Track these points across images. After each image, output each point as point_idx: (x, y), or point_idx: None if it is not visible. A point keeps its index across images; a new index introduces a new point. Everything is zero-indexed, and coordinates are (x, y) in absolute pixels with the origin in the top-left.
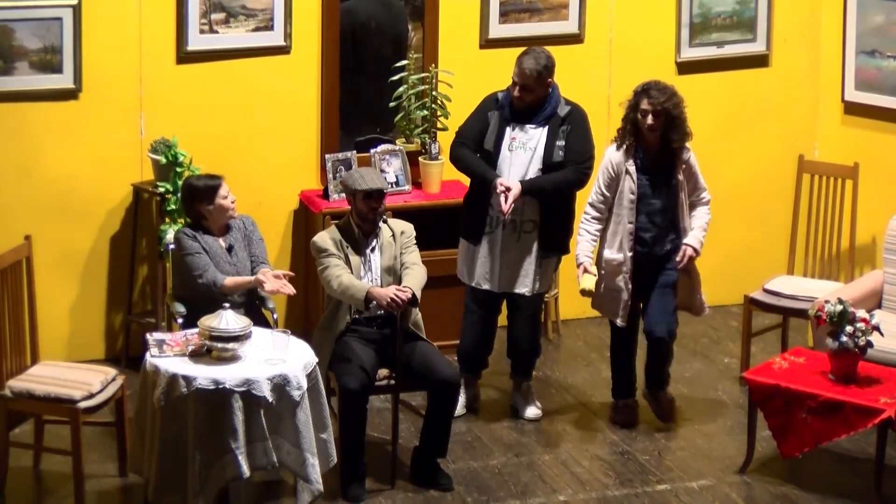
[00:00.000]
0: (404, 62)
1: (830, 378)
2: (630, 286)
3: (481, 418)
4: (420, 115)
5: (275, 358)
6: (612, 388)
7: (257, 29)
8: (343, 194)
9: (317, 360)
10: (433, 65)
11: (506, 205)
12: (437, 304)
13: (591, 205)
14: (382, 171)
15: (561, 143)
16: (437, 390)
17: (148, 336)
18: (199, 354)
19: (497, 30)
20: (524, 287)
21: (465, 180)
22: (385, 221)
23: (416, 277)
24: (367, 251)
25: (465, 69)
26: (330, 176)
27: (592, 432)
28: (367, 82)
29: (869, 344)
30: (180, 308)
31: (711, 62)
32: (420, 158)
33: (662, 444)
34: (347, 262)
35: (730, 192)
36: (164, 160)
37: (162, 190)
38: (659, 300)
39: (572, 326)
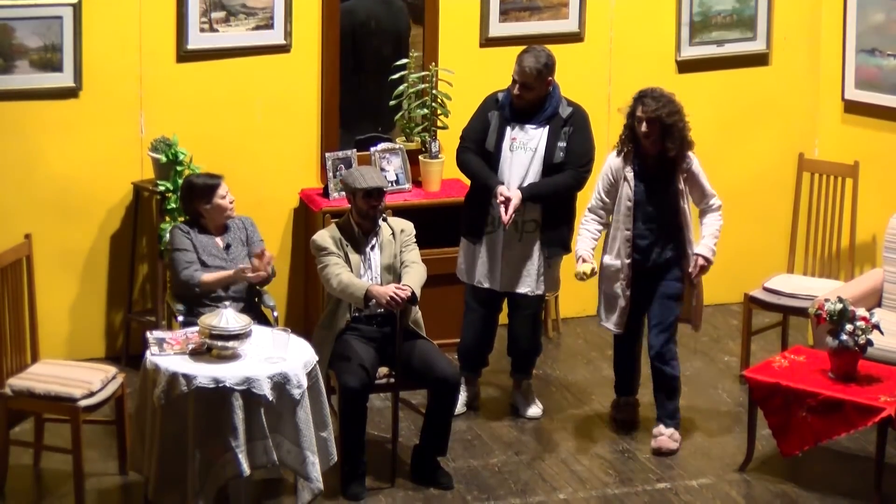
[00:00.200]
0: (404, 61)
1: (830, 376)
2: (628, 293)
3: (481, 417)
4: (420, 113)
5: (275, 356)
6: (614, 385)
7: (257, 28)
8: (343, 193)
9: (317, 358)
10: (433, 63)
11: (506, 216)
12: (437, 302)
13: (591, 210)
14: (382, 169)
15: (562, 144)
16: (437, 388)
17: (148, 334)
18: (200, 353)
19: (497, 28)
20: (526, 287)
21: (465, 179)
22: (385, 220)
23: (415, 276)
24: (367, 249)
25: (466, 68)
26: (330, 174)
27: (593, 431)
28: (367, 81)
29: (869, 342)
30: (180, 306)
31: (711, 61)
32: (420, 157)
33: None
34: (347, 260)
35: (730, 191)
36: (164, 159)
37: (162, 188)
38: (659, 313)
39: (572, 325)
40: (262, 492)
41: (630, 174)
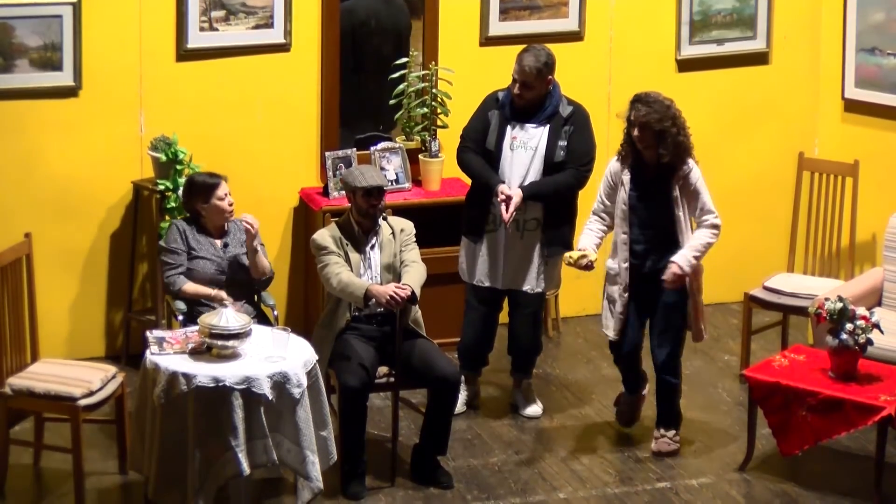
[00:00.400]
0: (404, 60)
1: (830, 376)
2: (625, 296)
3: (481, 416)
4: (420, 112)
5: (275, 355)
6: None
7: (257, 27)
8: (343, 192)
9: (317, 357)
10: (433, 62)
11: (507, 214)
12: (437, 301)
13: (594, 212)
14: (382, 168)
15: (563, 143)
16: (437, 388)
17: (148, 333)
18: (199, 352)
19: (497, 27)
20: (528, 284)
21: (466, 178)
22: (385, 219)
23: (415, 275)
24: (367, 249)
25: (466, 67)
26: (330, 173)
27: (592, 430)
28: (367, 80)
29: (869, 341)
30: (180, 305)
31: (711, 60)
32: (420, 156)
33: None
34: (347, 259)
35: (729, 190)
36: (164, 158)
37: (162, 187)
38: (659, 321)
39: (573, 324)
40: (262, 491)
41: (627, 178)
